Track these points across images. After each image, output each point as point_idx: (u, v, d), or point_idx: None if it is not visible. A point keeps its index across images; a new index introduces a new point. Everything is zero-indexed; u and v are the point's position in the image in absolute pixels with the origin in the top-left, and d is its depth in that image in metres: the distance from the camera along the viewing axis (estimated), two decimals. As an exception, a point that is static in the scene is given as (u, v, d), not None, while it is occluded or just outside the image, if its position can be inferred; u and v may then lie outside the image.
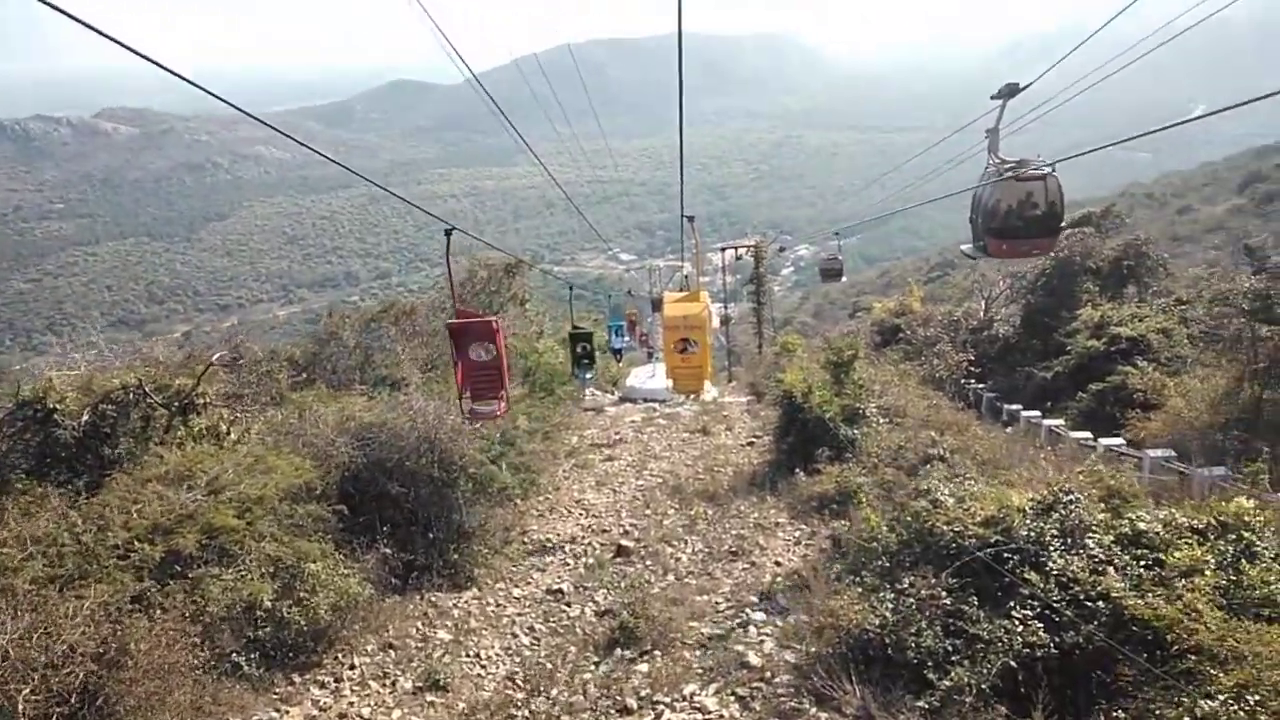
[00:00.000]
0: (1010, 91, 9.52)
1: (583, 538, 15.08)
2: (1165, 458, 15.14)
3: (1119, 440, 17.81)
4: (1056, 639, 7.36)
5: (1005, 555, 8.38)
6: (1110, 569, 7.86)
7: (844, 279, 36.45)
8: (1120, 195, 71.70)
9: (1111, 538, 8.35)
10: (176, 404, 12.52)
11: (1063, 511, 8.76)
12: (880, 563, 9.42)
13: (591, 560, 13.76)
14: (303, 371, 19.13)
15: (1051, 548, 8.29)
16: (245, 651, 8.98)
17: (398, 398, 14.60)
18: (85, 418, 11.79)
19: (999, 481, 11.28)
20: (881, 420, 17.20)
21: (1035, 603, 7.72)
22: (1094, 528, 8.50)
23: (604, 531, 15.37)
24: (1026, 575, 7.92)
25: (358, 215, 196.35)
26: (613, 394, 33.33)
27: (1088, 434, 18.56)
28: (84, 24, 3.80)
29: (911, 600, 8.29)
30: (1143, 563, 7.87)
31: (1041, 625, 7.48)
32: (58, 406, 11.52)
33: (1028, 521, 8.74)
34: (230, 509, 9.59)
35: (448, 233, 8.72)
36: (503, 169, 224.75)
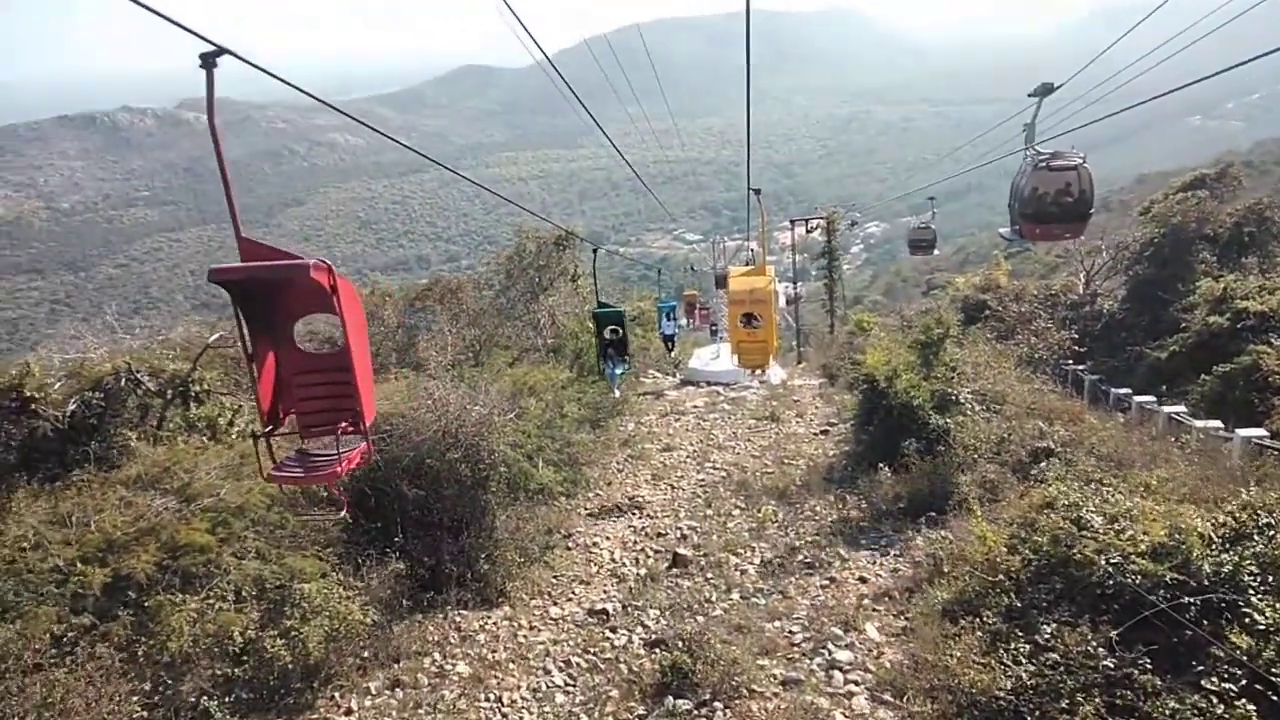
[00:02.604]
0: (1045, 90, 10.18)
1: (634, 542, 13.27)
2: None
3: (1260, 431, 15.06)
4: (1277, 726, 5.21)
5: (1186, 601, 6.20)
6: (1346, 625, 5.64)
7: (935, 251, 33.53)
8: (1214, 165, 65.61)
9: (1339, 578, 6.09)
10: (171, 391, 11.08)
11: (1263, 540, 6.50)
12: (1006, 599, 7.28)
13: (643, 571, 11.93)
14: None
15: (1252, 591, 6.08)
16: (218, 694, 7.41)
17: (420, 383, 12.82)
18: (71, 407, 10.47)
19: (1138, 486, 8.99)
20: (977, 407, 14.92)
21: (1238, 670, 5.55)
22: (1312, 564, 6.22)
23: (659, 535, 13.51)
24: (1227, 633, 5.74)
25: (429, 199, 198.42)
26: (674, 376, 31.39)
27: (1217, 423, 15.91)
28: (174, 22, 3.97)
29: (1058, 658, 6.18)
30: None
31: (1255, 708, 5.32)
32: (36, 395, 10.19)
33: (1212, 553, 6.51)
34: (203, 522, 8.01)
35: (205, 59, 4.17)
36: (569, 151, 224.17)
